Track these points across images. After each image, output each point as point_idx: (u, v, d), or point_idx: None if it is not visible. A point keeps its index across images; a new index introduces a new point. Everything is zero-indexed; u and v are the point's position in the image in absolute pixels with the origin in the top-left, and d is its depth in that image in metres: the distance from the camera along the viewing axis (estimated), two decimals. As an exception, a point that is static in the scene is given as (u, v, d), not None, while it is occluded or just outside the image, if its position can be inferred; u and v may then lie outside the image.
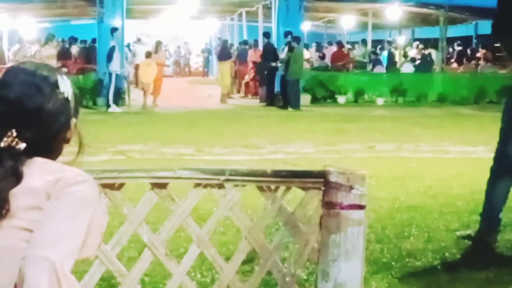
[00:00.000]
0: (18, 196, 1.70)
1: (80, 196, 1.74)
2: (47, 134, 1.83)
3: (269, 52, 20.38)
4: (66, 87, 1.86)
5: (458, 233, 6.22)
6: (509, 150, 5.79)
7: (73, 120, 1.89)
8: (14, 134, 1.75)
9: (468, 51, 26.62)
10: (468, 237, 6.07)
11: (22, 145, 1.76)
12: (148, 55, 20.97)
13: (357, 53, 27.16)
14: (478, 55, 25.50)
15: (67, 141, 1.90)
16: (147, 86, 19.71)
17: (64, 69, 19.34)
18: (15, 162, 1.73)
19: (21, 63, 1.91)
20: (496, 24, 5.77)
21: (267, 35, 21.32)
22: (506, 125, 5.79)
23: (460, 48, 27.68)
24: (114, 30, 18.71)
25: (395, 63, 24.98)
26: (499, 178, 5.89)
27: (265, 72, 20.38)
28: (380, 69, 23.60)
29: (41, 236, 1.64)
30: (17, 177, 1.73)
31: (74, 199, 1.73)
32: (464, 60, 25.39)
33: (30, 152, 1.78)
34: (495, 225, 5.97)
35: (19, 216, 1.69)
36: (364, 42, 28.39)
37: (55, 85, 1.84)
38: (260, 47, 23.23)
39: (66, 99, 1.86)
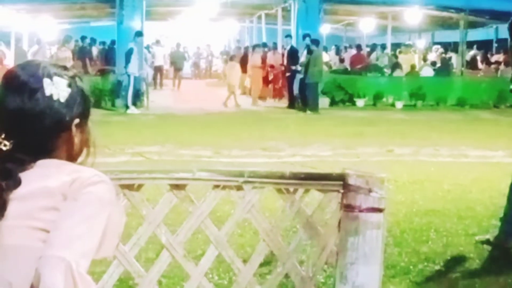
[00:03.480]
0: (34, 197, 1.71)
1: (96, 196, 1.73)
2: (35, 134, 1.78)
3: (292, 55, 20.33)
4: (55, 87, 1.80)
5: (477, 238, 6.18)
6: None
7: (76, 121, 1.82)
8: (3, 136, 1.75)
9: (488, 55, 26.40)
10: (487, 242, 6.03)
11: (6, 143, 1.74)
12: (232, 57, 21.15)
13: (373, 57, 27.00)
14: (497, 58, 25.27)
15: (73, 142, 1.84)
16: (232, 87, 20.07)
17: (83, 70, 19.56)
18: (5, 163, 1.72)
19: (19, 64, 1.88)
20: None
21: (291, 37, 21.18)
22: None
23: (472, 52, 27.33)
24: (138, 34, 18.76)
25: (414, 66, 24.84)
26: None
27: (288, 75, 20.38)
28: (399, 73, 23.49)
29: (58, 236, 1.64)
30: (9, 178, 1.71)
31: (91, 199, 1.72)
32: (484, 64, 25.19)
33: (31, 153, 1.76)
34: (514, 230, 5.93)
35: (35, 217, 1.69)
36: (383, 46, 28.26)
37: (38, 86, 1.78)
38: (279, 50, 23.19)
39: (50, 98, 1.78)
